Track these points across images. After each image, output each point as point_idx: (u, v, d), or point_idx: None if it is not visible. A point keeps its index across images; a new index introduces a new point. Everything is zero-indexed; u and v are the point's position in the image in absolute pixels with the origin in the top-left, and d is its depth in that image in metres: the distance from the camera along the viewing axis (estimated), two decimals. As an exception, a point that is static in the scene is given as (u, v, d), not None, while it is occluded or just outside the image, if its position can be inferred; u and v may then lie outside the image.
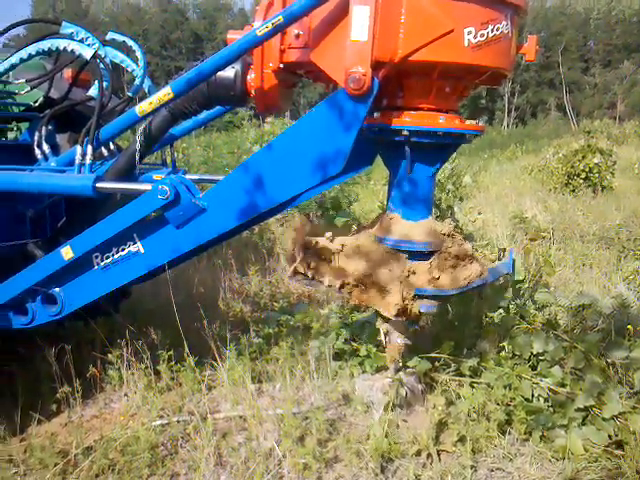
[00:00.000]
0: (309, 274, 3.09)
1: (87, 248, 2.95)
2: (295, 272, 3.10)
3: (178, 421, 3.30)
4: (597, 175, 12.43)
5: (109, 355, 3.64)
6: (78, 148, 2.97)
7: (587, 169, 12.50)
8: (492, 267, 3.24)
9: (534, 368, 3.38)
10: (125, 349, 3.62)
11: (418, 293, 2.95)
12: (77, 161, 2.95)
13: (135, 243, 2.95)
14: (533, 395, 3.23)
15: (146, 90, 3.73)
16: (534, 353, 3.39)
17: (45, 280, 3.08)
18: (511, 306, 3.89)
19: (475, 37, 2.57)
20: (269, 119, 13.00)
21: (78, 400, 3.51)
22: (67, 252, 2.95)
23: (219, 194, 2.85)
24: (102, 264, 3.01)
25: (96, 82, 3.35)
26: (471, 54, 2.59)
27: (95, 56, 3.10)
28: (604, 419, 3.03)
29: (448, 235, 3.03)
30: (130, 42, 3.66)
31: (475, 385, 3.36)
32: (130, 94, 3.67)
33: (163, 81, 67.50)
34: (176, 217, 2.83)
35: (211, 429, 3.11)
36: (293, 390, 3.51)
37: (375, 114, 2.94)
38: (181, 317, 3.62)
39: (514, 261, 3.47)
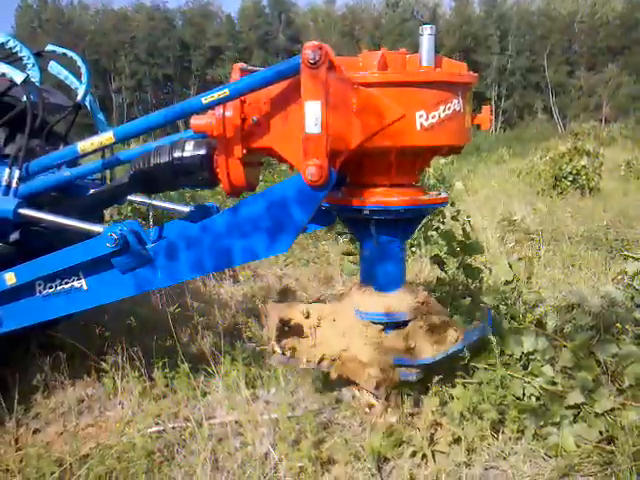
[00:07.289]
0: (286, 353, 3.09)
1: (30, 278, 2.97)
2: (273, 352, 3.10)
3: (174, 427, 3.31)
4: (584, 177, 12.56)
5: (103, 363, 3.65)
6: (6, 170, 2.98)
7: (574, 171, 12.63)
8: (469, 330, 3.21)
9: (525, 367, 3.41)
10: (120, 356, 3.63)
11: (396, 363, 2.96)
12: (4, 182, 2.98)
13: (79, 279, 2.96)
14: (525, 394, 3.27)
15: (87, 105, 3.68)
16: (525, 352, 3.43)
17: None
18: (501, 306, 3.94)
19: (427, 119, 2.62)
20: None
21: (73, 408, 3.52)
22: (10, 278, 2.96)
23: (169, 248, 2.83)
24: (44, 292, 3.00)
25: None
26: (424, 136, 2.64)
27: (26, 82, 3.11)
28: (595, 416, 3.08)
29: (423, 303, 3.04)
30: (70, 53, 3.61)
31: (467, 385, 3.39)
32: (79, 102, 3.58)
33: (150, 90, 67.59)
34: (122, 264, 2.84)
35: (207, 434, 3.13)
36: (287, 394, 3.53)
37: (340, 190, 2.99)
38: (174, 324, 3.63)
39: (493, 320, 3.46)
